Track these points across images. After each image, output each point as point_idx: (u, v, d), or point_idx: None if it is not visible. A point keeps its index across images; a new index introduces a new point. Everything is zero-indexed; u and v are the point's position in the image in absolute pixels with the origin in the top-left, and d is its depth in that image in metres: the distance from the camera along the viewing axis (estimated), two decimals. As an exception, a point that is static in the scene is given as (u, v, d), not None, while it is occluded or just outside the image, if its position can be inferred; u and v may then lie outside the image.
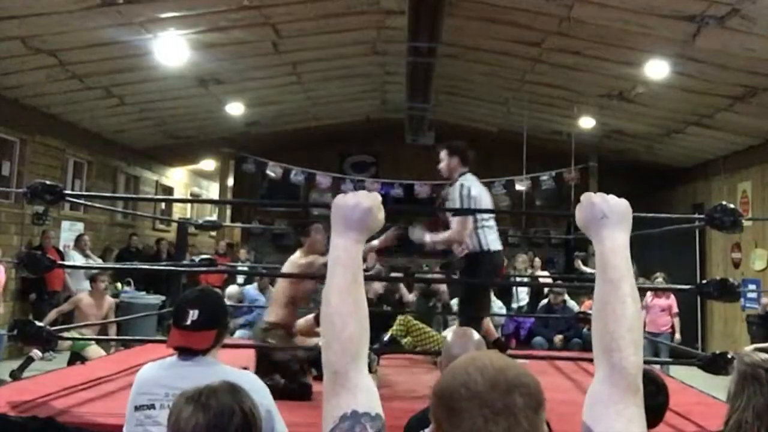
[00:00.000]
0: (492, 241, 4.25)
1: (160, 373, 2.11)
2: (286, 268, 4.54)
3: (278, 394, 4.11)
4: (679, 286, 6.39)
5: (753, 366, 1.95)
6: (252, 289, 8.56)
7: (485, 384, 0.98)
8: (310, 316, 5.41)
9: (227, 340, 6.16)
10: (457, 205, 4.18)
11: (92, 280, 7.30)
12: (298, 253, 4.48)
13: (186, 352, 2.11)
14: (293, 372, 4.04)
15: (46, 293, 8.29)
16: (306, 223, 4.69)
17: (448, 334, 2.62)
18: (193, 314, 2.10)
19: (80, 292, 7.78)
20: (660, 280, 7.65)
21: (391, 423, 3.40)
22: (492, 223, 4.30)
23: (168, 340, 2.17)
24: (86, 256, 8.95)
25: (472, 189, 4.18)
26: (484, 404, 0.96)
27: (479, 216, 4.20)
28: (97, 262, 9.34)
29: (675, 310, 7.45)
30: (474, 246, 4.20)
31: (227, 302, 8.08)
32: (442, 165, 4.40)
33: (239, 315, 8.08)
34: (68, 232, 9.60)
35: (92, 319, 6.78)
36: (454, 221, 4.21)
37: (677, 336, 7.28)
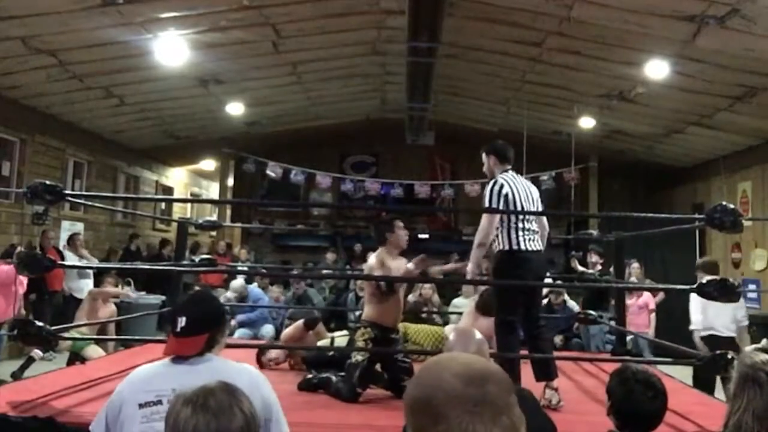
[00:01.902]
0: (526, 240, 4.04)
1: (164, 371, 2.14)
2: (367, 265, 4.58)
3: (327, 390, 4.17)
4: (679, 286, 6.38)
5: (753, 368, 1.95)
6: (256, 287, 8.55)
7: (460, 382, 1.04)
8: (300, 322, 5.40)
9: (228, 340, 6.12)
10: (486, 202, 4.10)
11: (103, 282, 7.40)
12: (378, 251, 4.46)
13: (181, 357, 2.15)
14: (350, 374, 4.12)
15: (46, 293, 8.29)
16: (386, 219, 4.66)
17: (451, 334, 2.62)
18: (181, 321, 2.15)
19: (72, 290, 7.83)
20: (634, 279, 7.64)
21: (392, 423, 3.38)
22: (530, 225, 4.09)
23: (165, 347, 2.23)
24: (80, 256, 8.94)
25: (504, 187, 4.05)
26: (465, 401, 1.02)
27: (513, 215, 4.03)
28: (92, 261, 9.35)
29: (651, 307, 7.41)
30: (504, 245, 4.03)
31: (230, 295, 8.14)
32: (485, 167, 4.33)
33: (241, 312, 8.08)
34: (68, 232, 9.60)
35: (96, 319, 6.80)
36: (483, 218, 4.12)
37: (651, 331, 7.22)
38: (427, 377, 1.09)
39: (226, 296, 8.18)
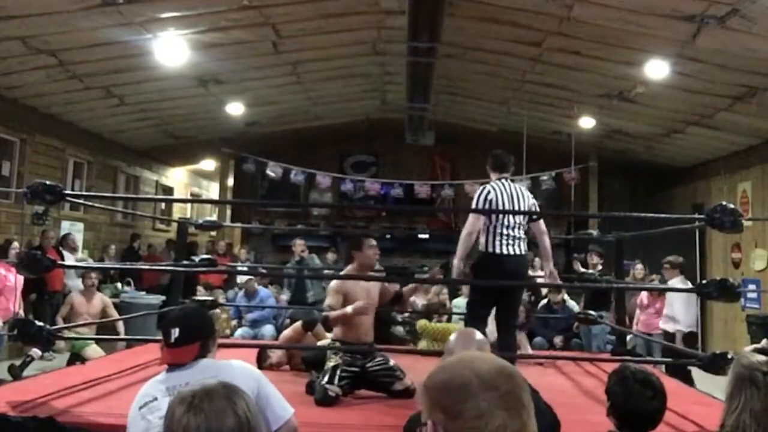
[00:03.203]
0: (503, 245, 4.30)
1: (159, 378, 2.34)
2: (331, 287, 4.46)
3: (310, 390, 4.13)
4: (679, 287, 6.40)
5: (750, 368, 1.95)
6: (265, 289, 8.59)
7: (491, 372, 1.15)
8: (298, 324, 5.41)
9: (227, 340, 6.15)
10: (473, 205, 4.44)
11: (82, 277, 7.43)
12: (345, 270, 4.46)
13: (176, 366, 2.34)
14: (331, 377, 4.06)
15: (46, 293, 8.29)
16: (357, 235, 4.65)
17: (452, 335, 2.62)
18: (174, 332, 2.34)
19: (72, 290, 7.85)
20: (656, 282, 7.68)
21: (392, 422, 3.38)
22: (510, 231, 4.32)
23: (160, 358, 2.43)
24: (76, 257, 8.94)
25: (490, 193, 4.35)
26: (494, 388, 1.13)
27: (495, 221, 4.30)
28: (88, 261, 9.35)
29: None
30: (483, 247, 4.33)
31: (238, 289, 8.31)
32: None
33: (250, 312, 8.12)
34: (68, 232, 9.60)
35: (85, 317, 6.81)
36: (470, 216, 4.45)
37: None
38: (459, 366, 1.18)
39: (235, 290, 8.40)
